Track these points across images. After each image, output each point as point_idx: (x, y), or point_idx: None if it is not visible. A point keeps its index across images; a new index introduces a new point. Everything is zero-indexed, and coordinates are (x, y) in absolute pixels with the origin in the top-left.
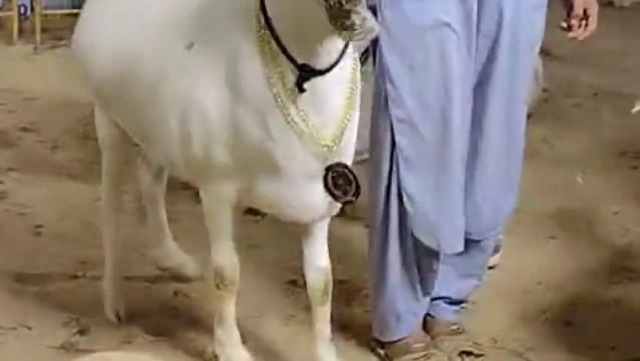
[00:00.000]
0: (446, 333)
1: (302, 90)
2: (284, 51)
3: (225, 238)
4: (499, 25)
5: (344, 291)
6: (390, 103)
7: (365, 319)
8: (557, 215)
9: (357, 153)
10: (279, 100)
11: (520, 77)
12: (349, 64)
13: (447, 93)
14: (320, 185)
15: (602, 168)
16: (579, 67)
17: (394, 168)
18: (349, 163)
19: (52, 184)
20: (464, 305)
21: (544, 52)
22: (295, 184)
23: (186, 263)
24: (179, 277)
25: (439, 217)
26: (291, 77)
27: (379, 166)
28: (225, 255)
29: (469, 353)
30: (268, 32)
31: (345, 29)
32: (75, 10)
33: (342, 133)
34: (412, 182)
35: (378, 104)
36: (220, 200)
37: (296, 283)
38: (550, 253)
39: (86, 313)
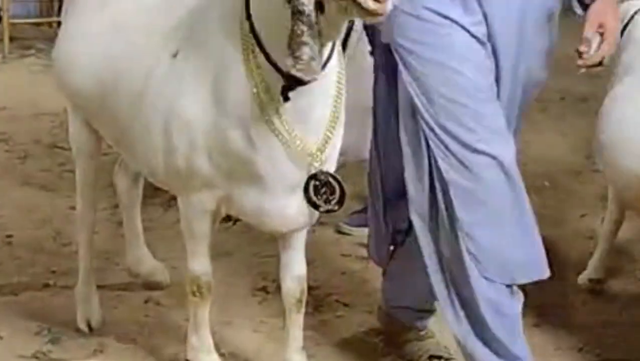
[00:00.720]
0: (416, 339)
1: (286, 99)
2: (269, 60)
3: (203, 246)
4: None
5: (314, 297)
6: (430, 143)
7: (334, 324)
8: None
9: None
10: (262, 109)
11: (516, 112)
12: (334, 74)
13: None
14: (301, 196)
15: (568, 171)
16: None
17: (442, 206)
18: (332, 171)
19: (22, 194)
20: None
21: None
22: (276, 194)
23: (157, 270)
24: (150, 284)
25: (507, 248)
26: (275, 87)
27: (423, 205)
28: (202, 263)
29: (439, 357)
30: (253, 40)
31: (294, 56)
32: (42, 20)
33: (326, 143)
34: (469, 218)
35: (414, 143)
36: (199, 209)
37: (266, 289)
38: None
39: (58, 322)
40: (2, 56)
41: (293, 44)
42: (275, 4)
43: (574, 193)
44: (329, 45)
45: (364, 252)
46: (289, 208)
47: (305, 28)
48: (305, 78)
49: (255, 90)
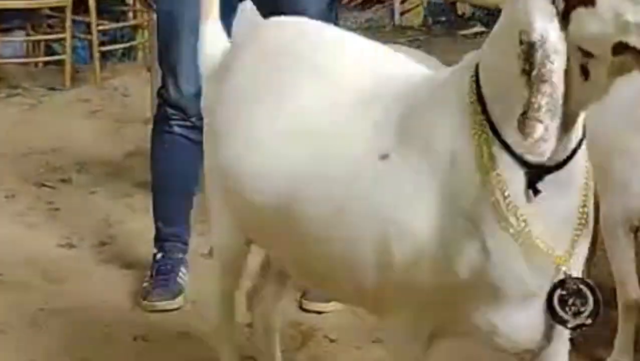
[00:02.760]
0: None
1: (536, 192)
2: (509, 149)
3: None
4: None
5: (301, 332)
6: None
7: (322, 360)
8: None
9: None
10: (498, 208)
11: None
12: (583, 154)
13: None
14: (536, 308)
15: None
16: None
17: None
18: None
19: (10, 232)
20: None
21: None
22: (509, 306)
23: None
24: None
25: None
26: (513, 180)
27: None
28: None
29: None
30: (488, 130)
31: (522, 131)
32: (29, 60)
33: (574, 243)
34: None
35: None
36: (415, 333)
37: None
38: None
39: (48, 360)
40: None
41: (525, 117)
42: (512, 76)
43: None
44: (580, 120)
45: None
46: (521, 323)
47: (544, 102)
48: (533, 160)
49: (488, 186)
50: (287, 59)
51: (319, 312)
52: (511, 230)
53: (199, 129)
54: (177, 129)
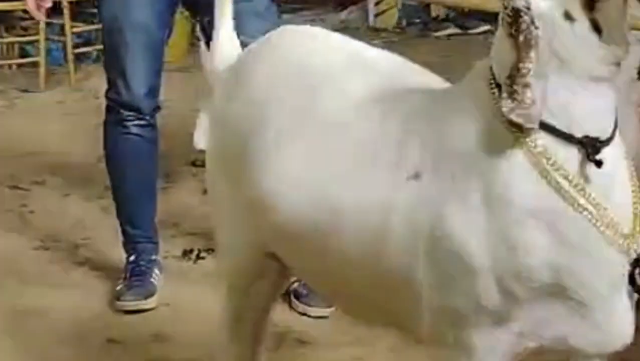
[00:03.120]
0: None
1: (599, 163)
2: (554, 131)
3: None
4: None
5: (273, 335)
6: None
7: None
8: None
9: None
10: (566, 195)
11: None
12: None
13: None
14: (624, 298)
15: None
16: None
17: None
18: None
19: None
20: None
21: None
22: (598, 299)
23: None
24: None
25: None
26: (570, 160)
27: None
28: None
29: None
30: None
31: (513, 98)
32: (3, 62)
33: (637, 218)
34: None
35: None
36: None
37: None
38: None
39: None
40: None
41: (514, 84)
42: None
43: None
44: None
45: None
46: (613, 316)
47: (532, 67)
48: (526, 126)
49: (548, 176)
50: (310, 76)
51: (309, 315)
52: (585, 213)
53: (152, 126)
54: (133, 129)
